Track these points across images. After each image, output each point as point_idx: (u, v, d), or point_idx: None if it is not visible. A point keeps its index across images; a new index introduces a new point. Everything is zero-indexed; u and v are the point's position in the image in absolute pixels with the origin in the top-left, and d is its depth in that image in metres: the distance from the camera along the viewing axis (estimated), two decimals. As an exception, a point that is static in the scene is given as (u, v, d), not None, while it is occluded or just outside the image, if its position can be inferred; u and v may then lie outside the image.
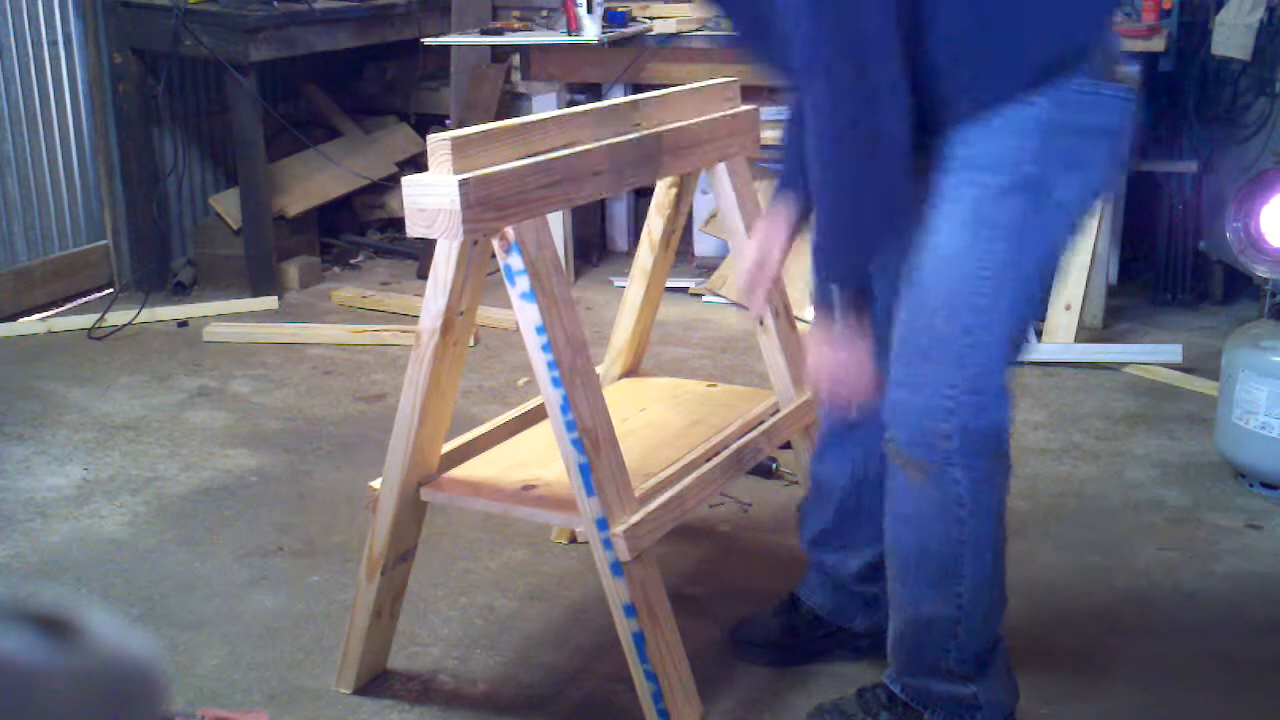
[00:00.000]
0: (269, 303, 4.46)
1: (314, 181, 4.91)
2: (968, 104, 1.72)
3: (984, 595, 1.89)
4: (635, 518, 1.92)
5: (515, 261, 1.83)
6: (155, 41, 4.40)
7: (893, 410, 1.83)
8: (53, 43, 4.33)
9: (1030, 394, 3.58)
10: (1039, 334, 3.93)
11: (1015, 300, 1.77)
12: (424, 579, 2.49)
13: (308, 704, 2.16)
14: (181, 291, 4.63)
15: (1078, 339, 3.91)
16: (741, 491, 2.93)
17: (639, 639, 1.93)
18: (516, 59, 4.80)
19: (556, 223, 4.49)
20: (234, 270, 4.66)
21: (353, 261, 5.02)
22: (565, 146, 1.97)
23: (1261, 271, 3.32)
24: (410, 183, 1.80)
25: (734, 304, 4.36)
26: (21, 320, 4.23)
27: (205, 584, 2.56)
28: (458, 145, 1.77)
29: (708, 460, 2.21)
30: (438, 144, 1.77)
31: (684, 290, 4.53)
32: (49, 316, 4.29)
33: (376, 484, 2.07)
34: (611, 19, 4.31)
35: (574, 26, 4.21)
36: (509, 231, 1.82)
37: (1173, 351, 3.79)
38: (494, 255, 1.88)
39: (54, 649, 0.61)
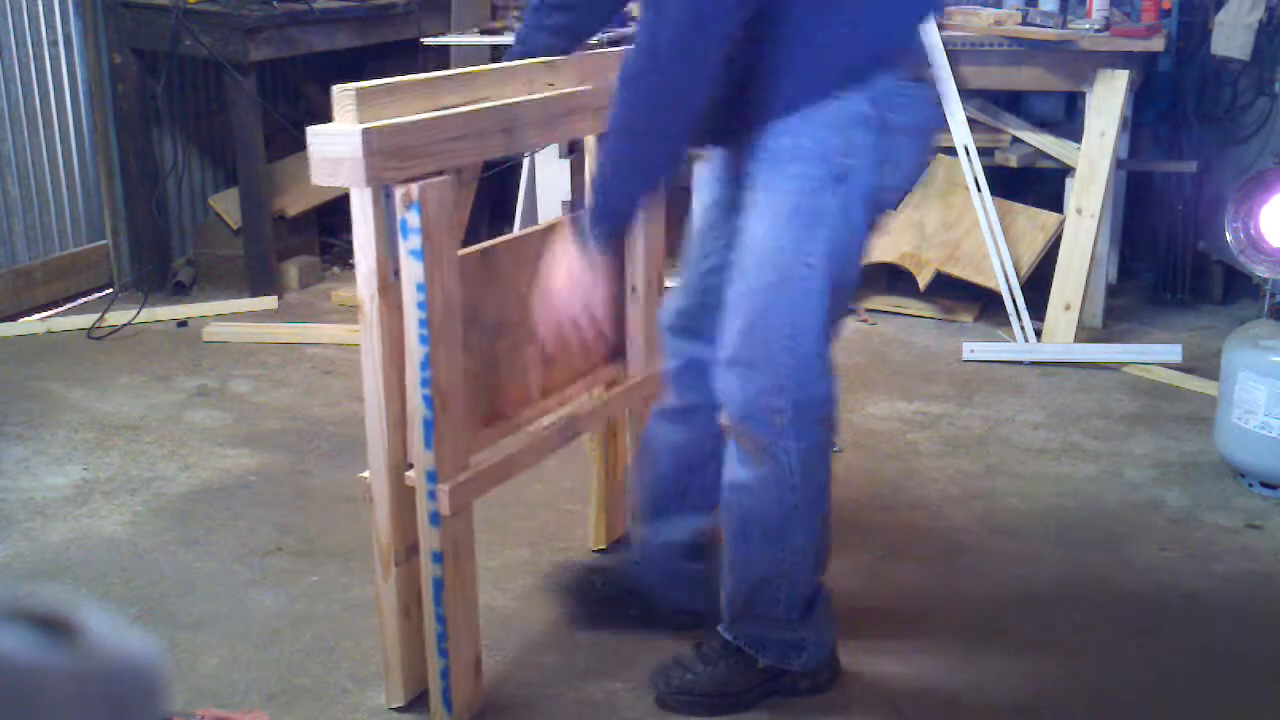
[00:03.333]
0: (268, 303, 4.46)
1: (313, 181, 4.91)
2: (782, 104, 1.85)
3: (810, 553, 2.07)
4: (462, 476, 2.01)
5: (412, 218, 1.87)
6: (155, 41, 4.40)
7: (728, 391, 1.97)
8: (53, 43, 4.33)
9: (1030, 394, 3.58)
10: (1039, 334, 3.93)
11: (836, 284, 1.91)
12: (424, 579, 2.49)
13: (308, 704, 2.16)
14: (181, 291, 4.63)
15: (1077, 339, 3.91)
16: (741, 491, 2.93)
17: (438, 584, 2.03)
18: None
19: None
20: (233, 270, 4.66)
21: (352, 261, 5.00)
22: (474, 103, 2.00)
23: (1261, 271, 3.31)
24: (315, 132, 1.84)
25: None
26: (21, 320, 4.23)
27: (205, 584, 2.56)
28: (363, 95, 1.81)
29: (541, 419, 2.29)
30: (343, 94, 1.81)
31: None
32: (49, 316, 4.29)
33: (367, 474, 2.06)
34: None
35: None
36: (413, 189, 1.86)
37: (1172, 351, 3.79)
38: None
39: (54, 649, 0.61)
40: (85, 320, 4.19)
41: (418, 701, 2.14)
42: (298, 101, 5.39)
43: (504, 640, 2.35)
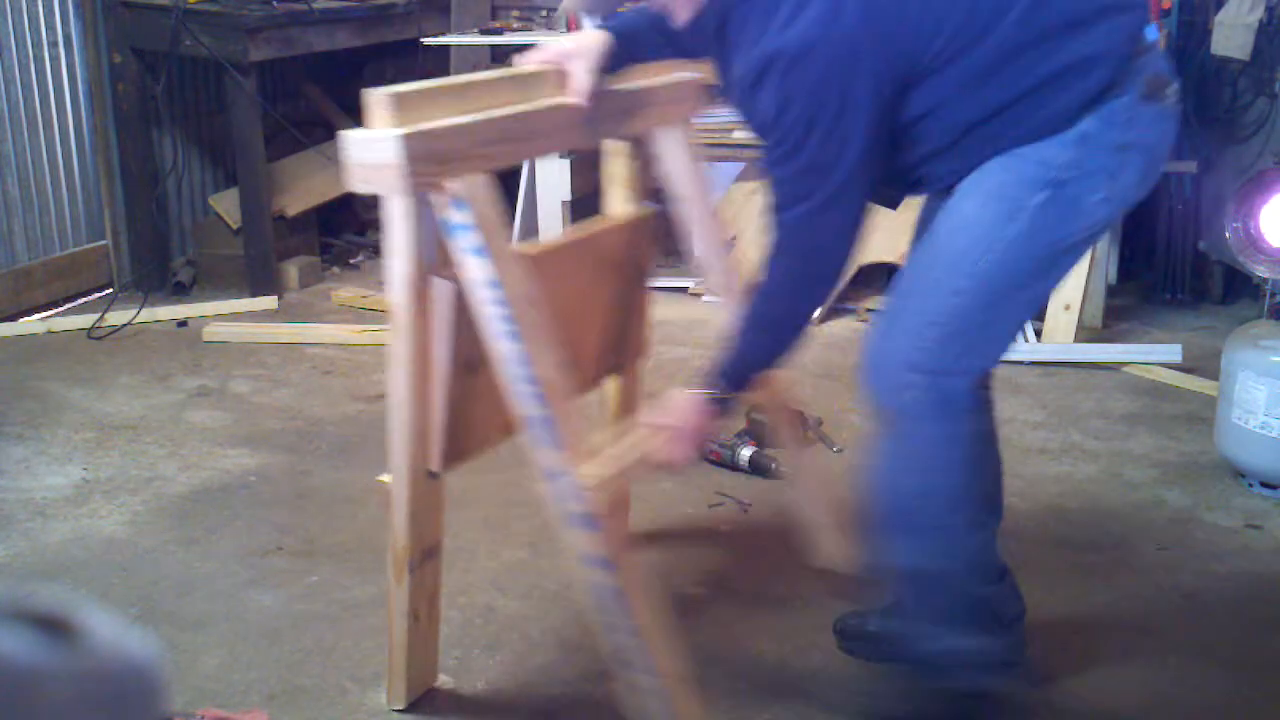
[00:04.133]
0: (269, 303, 4.46)
1: (314, 181, 4.91)
2: (1012, 141, 1.84)
3: (955, 555, 1.95)
4: (605, 470, 1.90)
5: (462, 216, 1.82)
6: (155, 41, 4.40)
7: (869, 348, 1.95)
8: (53, 43, 4.33)
9: (1030, 394, 3.58)
10: (1039, 334, 3.93)
11: (1012, 281, 1.85)
12: (424, 579, 2.49)
13: (308, 704, 2.16)
14: (181, 291, 4.63)
15: (1077, 339, 3.91)
16: (742, 492, 2.93)
17: (617, 594, 1.88)
18: (516, 59, 4.81)
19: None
20: (234, 270, 4.66)
21: (352, 261, 5.01)
22: (506, 106, 1.97)
23: (1261, 271, 3.31)
24: (351, 137, 1.79)
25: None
26: (21, 320, 4.23)
27: (205, 584, 2.56)
28: (399, 100, 1.77)
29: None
30: (378, 98, 1.76)
31: (684, 290, 4.53)
32: (49, 316, 4.29)
33: (386, 478, 2.01)
34: (611, 19, 4.31)
35: (574, 26, 4.21)
36: (458, 185, 1.81)
37: (1172, 351, 3.79)
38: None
39: (54, 649, 0.61)
40: (85, 320, 4.19)
41: (419, 703, 2.14)
42: (298, 101, 5.39)
43: (504, 640, 2.35)
